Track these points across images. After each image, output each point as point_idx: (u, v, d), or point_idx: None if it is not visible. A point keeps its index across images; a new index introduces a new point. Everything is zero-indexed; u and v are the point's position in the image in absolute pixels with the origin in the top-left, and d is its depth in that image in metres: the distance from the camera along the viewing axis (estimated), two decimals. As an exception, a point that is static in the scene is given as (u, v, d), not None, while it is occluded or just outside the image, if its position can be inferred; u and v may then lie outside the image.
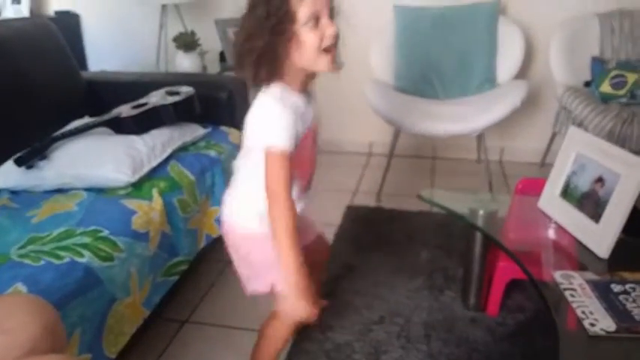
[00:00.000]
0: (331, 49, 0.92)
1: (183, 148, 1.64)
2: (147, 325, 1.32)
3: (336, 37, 0.92)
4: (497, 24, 2.35)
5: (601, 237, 1.11)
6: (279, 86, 0.94)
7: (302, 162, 1.01)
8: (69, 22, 2.86)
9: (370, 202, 2.31)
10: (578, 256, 1.17)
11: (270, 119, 0.93)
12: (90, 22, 2.98)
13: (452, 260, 1.76)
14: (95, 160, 1.42)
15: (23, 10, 2.83)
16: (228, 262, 1.17)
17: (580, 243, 1.16)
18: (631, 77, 2.18)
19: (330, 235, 1.98)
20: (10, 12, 2.86)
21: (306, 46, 0.90)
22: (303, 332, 1.40)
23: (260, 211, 0.99)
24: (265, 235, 0.98)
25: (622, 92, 2.18)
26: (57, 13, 2.94)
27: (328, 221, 2.07)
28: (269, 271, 1.04)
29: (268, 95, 0.94)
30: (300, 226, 1.00)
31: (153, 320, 1.38)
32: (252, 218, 1.02)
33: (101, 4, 2.94)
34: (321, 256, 1.34)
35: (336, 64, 0.94)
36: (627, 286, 1.00)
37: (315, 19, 0.89)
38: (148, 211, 1.33)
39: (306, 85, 0.99)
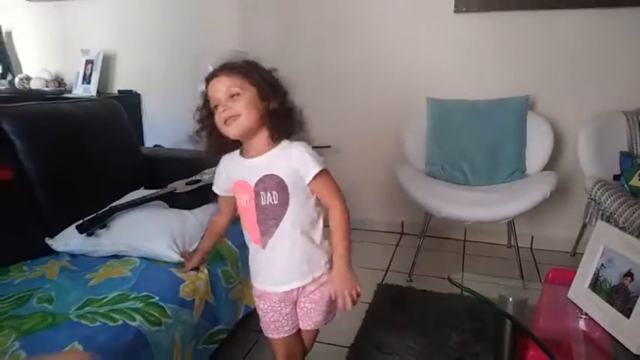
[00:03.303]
0: (228, 121, 1.09)
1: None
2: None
3: (231, 111, 1.08)
4: (526, 118, 2.47)
5: (633, 333, 1.12)
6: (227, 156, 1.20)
7: (246, 217, 1.18)
8: (131, 100, 3.16)
9: (402, 281, 2.34)
10: (610, 350, 1.17)
11: None
12: (149, 101, 3.29)
13: (482, 345, 1.76)
14: (150, 233, 1.53)
15: (92, 89, 3.17)
16: (261, 333, 1.27)
17: (612, 336, 1.17)
18: (660, 172, 2.23)
19: (361, 312, 2.02)
20: (80, 90, 3.21)
21: (218, 125, 1.11)
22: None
23: None
24: None
25: (652, 186, 2.22)
26: (120, 92, 3.26)
27: (360, 298, 2.11)
28: None
29: None
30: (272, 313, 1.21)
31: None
32: None
33: (160, 85, 3.26)
34: (299, 347, 1.30)
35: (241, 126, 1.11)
36: (661, 385, 1.01)
37: (215, 105, 1.10)
38: (194, 280, 1.43)
39: (253, 148, 1.15)
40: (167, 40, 3.19)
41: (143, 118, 3.24)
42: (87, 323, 1.16)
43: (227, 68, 1.10)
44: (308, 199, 1.14)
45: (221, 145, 1.16)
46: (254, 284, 1.24)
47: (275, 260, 1.16)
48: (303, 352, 1.30)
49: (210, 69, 1.13)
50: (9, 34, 3.55)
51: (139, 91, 3.28)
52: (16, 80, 3.33)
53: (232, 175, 1.18)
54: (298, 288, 1.18)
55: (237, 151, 1.18)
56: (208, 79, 1.12)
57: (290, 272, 1.16)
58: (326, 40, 2.89)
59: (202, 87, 1.13)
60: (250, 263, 1.23)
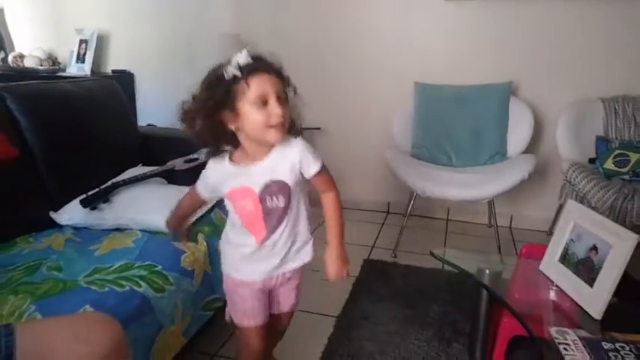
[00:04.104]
0: (278, 126, 1.05)
1: (225, 198, 1.84)
2: (180, 357, 1.45)
3: (284, 117, 1.05)
4: (508, 103, 2.58)
5: (595, 300, 1.24)
6: (217, 158, 1.17)
7: (249, 220, 1.16)
8: (124, 79, 3.19)
9: (387, 257, 2.46)
10: (574, 316, 1.29)
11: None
12: (142, 81, 3.32)
13: (460, 315, 1.89)
14: (151, 208, 1.61)
15: (86, 68, 3.19)
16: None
17: (577, 304, 1.29)
18: (633, 157, 2.36)
19: (348, 285, 2.14)
20: (74, 69, 3.23)
21: (253, 122, 1.04)
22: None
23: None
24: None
25: (625, 170, 2.35)
26: (114, 71, 3.30)
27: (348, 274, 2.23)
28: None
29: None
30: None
31: (185, 352, 1.50)
32: None
33: (153, 65, 3.29)
34: (280, 325, 1.40)
35: (284, 135, 1.08)
36: (617, 345, 1.10)
37: (263, 102, 1.03)
38: (194, 251, 1.52)
39: (259, 152, 1.12)
40: (161, 21, 3.21)
41: (136, 98, 3.28)
42: (96, 289, 1.24)
43: (274, 69, 1.06)
44: (303, 195, 1.18)
45: (219, 137, 1.10)
46: (237, 276, 1.23)
47: (274, 255, 1.19)
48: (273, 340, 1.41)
49: (246, 56, 1.02)
50: (1, 11, 3.53)
51: (132, 71, 3.31)
52: (10, 58, 3.33)
53: (229, 182, 1.14)
54: (277, 275, 1.23)
55: (226, 159, 1.15)
56: (252, 71, 1.02)
57: (284, 263, 1.22)
58: (317, 25, 2.95)
59: (234, 71, 1.01)
60: (241, 260, 1.21)
